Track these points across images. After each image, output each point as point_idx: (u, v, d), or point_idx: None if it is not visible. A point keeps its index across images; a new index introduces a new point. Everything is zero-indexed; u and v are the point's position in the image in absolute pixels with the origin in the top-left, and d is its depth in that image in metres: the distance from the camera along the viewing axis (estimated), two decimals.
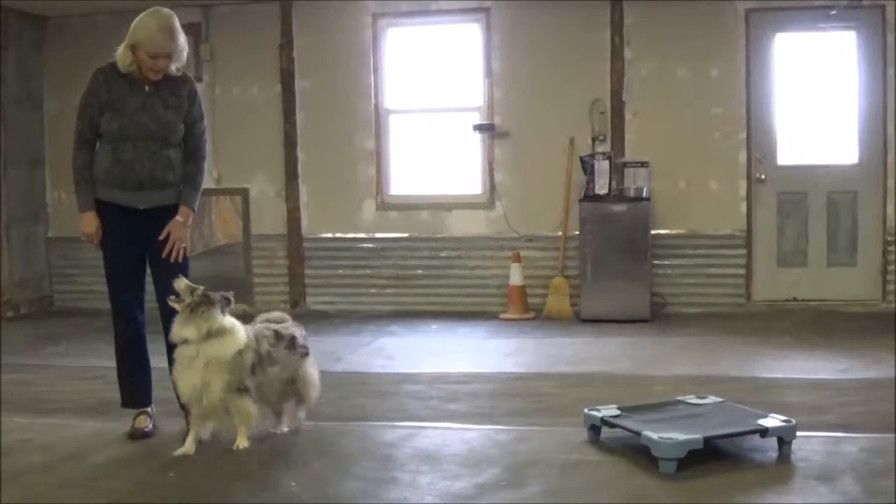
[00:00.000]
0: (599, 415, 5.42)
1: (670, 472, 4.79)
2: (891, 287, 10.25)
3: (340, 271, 11.23)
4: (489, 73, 10.90)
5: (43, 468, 5.16)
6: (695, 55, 10.43)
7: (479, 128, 10.89)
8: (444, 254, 11.06)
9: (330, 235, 11.22)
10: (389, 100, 11.22)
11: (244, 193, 11.26)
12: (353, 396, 6.93)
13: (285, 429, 5.78)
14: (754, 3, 10.33)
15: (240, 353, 5.39)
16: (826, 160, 10.43)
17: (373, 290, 11.17)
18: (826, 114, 10.44)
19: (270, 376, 5.56)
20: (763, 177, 10.44)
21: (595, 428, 5.45)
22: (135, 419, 5.85)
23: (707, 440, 4.93)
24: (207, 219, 11.33)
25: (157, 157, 5.74)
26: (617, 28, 10.52)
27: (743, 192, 10.46)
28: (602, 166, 10.27)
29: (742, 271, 10.50)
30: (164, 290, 5.63)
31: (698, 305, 10.42)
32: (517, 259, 10.58)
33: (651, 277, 10.09)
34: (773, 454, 5.08)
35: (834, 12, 10.10)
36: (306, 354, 5.85)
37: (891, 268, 10.24)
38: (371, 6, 11.03)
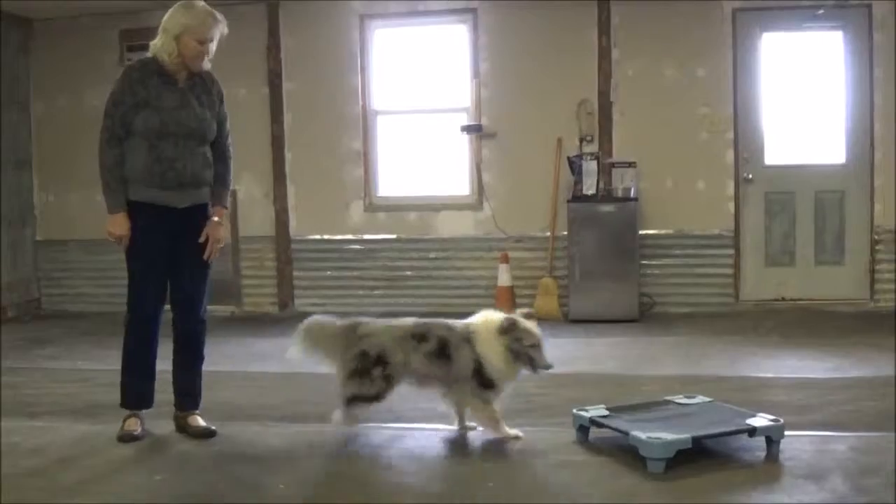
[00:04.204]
0: (588, 415, 5.42)
1: (659, 471, 4.79)
2: (878, 286, 10.28)
3: (329, 273, 11.22)
4: (476, 73, 10.90)
5: (31, 472, 5.13)
6: (682, 55, 10.45)
7: (466, 128, 10.89)
8: (432, 255, 11.06)
9: (318, 237, 11.21)
10: (377, 101, 11.22)
11: (232, 195, 11.10)
12: None
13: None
14: (741, 2, 10.35)
15: None
16: (813, 160, 10.46)
17: (361, 292, 11.16)
18: (813, 113, 10.47)
19: None
20: (750, 176, 10.46)
21: (583, 428, 5.45)
22: (125, 422, 5.81)
23: (695, 440, 4.93)
24: None
25: (196, 154, 5.71)
26: (604, 28, 10.53)
27: (730, 191, 10.48)
28: (590, 167, 10.28)
29: (730, 271, 10.52)
30: (191, 289, 5.80)
31: (686, 305, 10.44)
32: (505, 260, 10.58)
33: (639, 278, 10.10)
34: (762, 453, 5.08)
35: (821, 12, 10.14)
36: None
37: (878, 267, 10.27)
38: (358, 7, 11.03)
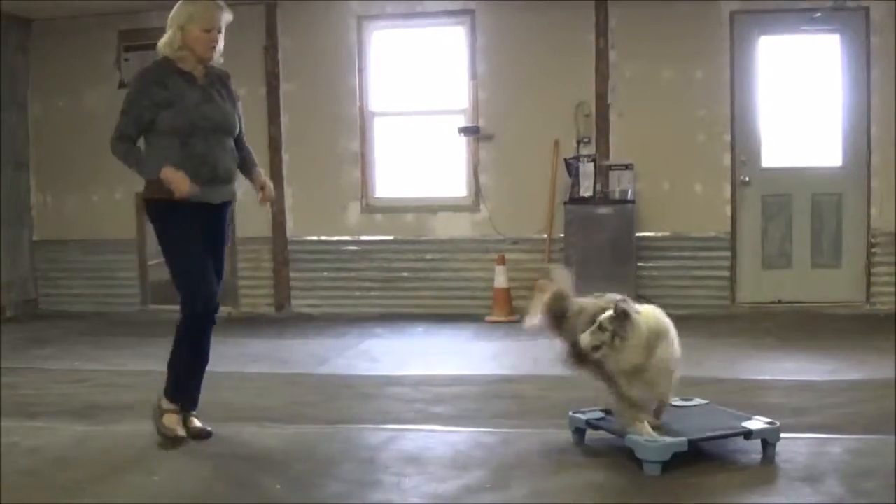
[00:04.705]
0: (584, 417, 5.43)
1: (655, 474, 4.79)
2: (875, 289, 10.29)
3: (325, 274, 11.22)
4: (474, 75, 10.90)
5: (29, 472, 5.13)
6: (679, 57, 10.45)
7: (464, 130, 10.89)
8: (429, 256, 11.06)
9: (315, 238, 11.20)
10: (374, 102, 11.22)
11: None
12: (338, 399, 6.92)
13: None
14: (739, 5, 10.35)
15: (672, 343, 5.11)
16: (810, 162, 10.46)
17: (358, 293, 11.16)
18: (810, 116, 10.47)
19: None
20: (747, 179, 10.46)
21: (580, 430, 5.45)
22: (166, 417, 5.69)
23: (692, 442, 4.93)
24: None
25: (226, 148, 5.70)
26: (602, 30, 10.54)
27: (727, 194, 10.48)
28: (587, 168, 10.29)
29: (726, 273, 10.52)
30: (215, 288, 5.72)
31: (683, 307, 10.38)
32: (502, 261, 10.58)
33: (636, 279, 10.10)
34: (758, 456, 5.08)
35: (818, 15, 10.14)
36: None
37: (875, 269, 10.28)
38: (356, 8, 11.03)
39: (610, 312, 4.98)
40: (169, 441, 5.58)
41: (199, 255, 5.64)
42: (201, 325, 5.70)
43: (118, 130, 5.58)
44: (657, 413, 5.21)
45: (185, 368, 5.74)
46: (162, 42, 5.64)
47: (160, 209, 5.60)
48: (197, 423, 5.79)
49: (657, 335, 5.02)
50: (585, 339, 5.02)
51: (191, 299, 5.62)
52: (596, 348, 4.99)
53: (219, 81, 5.78)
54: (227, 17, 5.69)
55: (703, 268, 10.47)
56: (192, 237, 5.62)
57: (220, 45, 5.70)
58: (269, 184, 6.01)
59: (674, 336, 5.09)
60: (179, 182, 5.40)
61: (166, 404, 5.70)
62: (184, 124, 5.52)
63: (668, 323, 5.11)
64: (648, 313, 5.09)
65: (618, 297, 5.07)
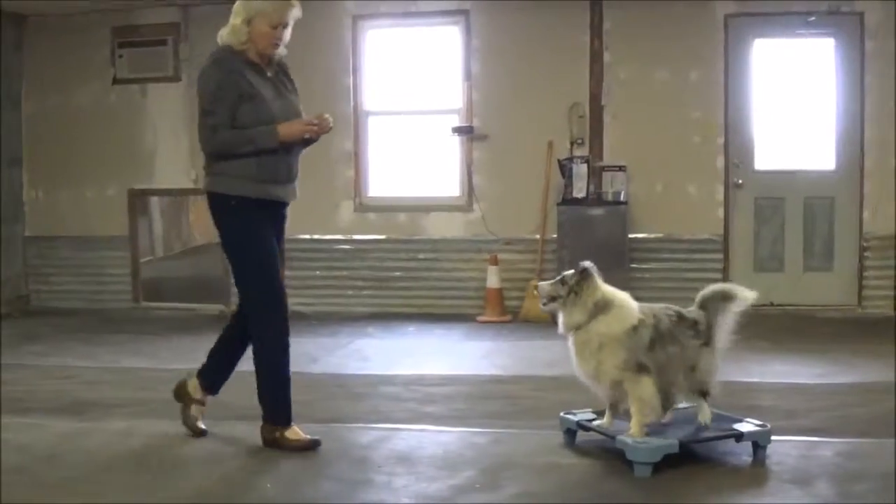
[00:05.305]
0: (575, 418, 5.43)
1: (645, 475, 4.80)
2: (866, 292, 10.30)
3: (318, 272, 11.21)
4: (468, 75, 10.90)
5: (18, 469, 5.11)
6: (673, 60, 10.47)
7: (457, 130, 10.89)
8: (421, 256, 11.06)
9: (307, 237, 11.18)
10: (368, 101, 11.21)
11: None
12: (330, 398, 6.91)
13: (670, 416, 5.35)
14: (733, 8, 10.36)
15: (634, 328, 5.07)
16: (803, 166, 10.48)
17: (350, 292, 11.16)
18: (804, 120, 10.49)
19: (671, 356, 5.13)
20: (741, 182, 10.48)
21: (571, 431, 5.46)
22: (297, 434, 5.50)
23: (682, 444, 4.94)
24: (185, 219, 11.30)
25: (296, 145, 5.49)
26: (596, 31, 10.54)
27: (720, 196, 10.49)
28: (580, 170, 10.30)
29: (719, 276, 10.50)
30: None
31: None
32: (495, 262, 10.58)
33: (628, 281, 10.07)
34: (748, 458, 5.09)
35: (812, 19, 10.16)
36: (707, 343, 5.27)
37: (866, 273, 10.29)
38: (351, 8, 11.02)
39: (574, 270, 5.21)
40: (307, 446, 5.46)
41: (273, 261, 5.51)
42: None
43: (212, 128, 5.29)
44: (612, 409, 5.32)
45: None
46: (225, 31, 5.40)
47: (236, 207, 5.39)
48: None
49: (605, 306, 5.13)
50: (545, 287, 5.32)
51: (270, 307, 5.49)
52: (552, 298, 5.26)
53: (282, 72, 5.59)
54: (295, 13, 5.42)
55: (696, 270, 10.46)
56: (267, 242, 5.46)
57: (286, 38, 5.45)
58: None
59: (624, 326, 5.10)
60: (308, 125, 5.37)
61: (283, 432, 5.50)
62: (265, 119, 5.31)
63: (628, 309, 5.18)
64: (612, 290, 5.25)
65: (589, 264, 5.24)
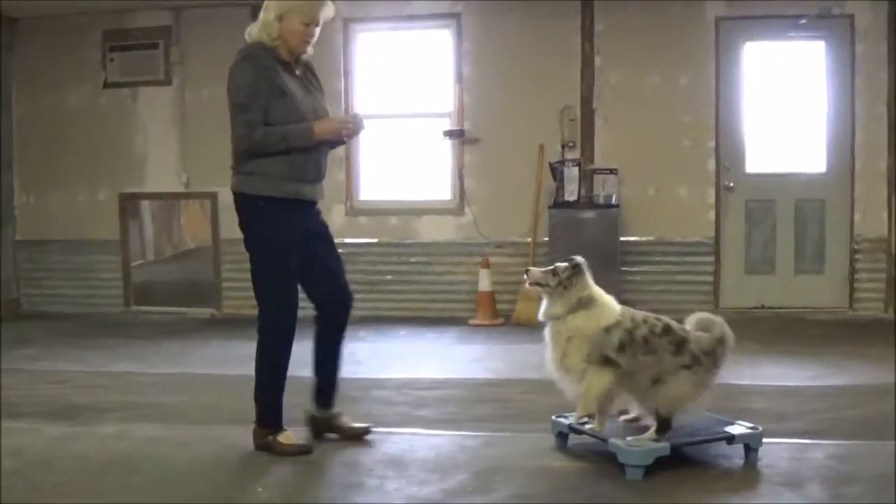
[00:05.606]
0: (567, 421, 5.42)
1: (637, 478, 4.79)
2: (857, 295, 10.33)
3: None
4: (459, 78, 10.91)
5: (13, 473, 5.09)
6: (664, 63, 10.49)
7: (449, 133, 10.90)
8: (413, 259, 11.06)
9: None
10: (360, 105, 11.20)
11: (213, 198, 11.20)
12: None
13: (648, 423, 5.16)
14: (724, 11, 10.38)
15: (607, 329, 5.02)
16: (794, 169, 10.51)
17: None
18: (794, 123, 10.52)
19: (642, 364, 5.00)
20: (731, 184, 10.50)
21: (562, 434, 5.45)
22: (289, 439, 5.47)
23: (674, 447, 4.93)
24: (176, 222, 11.29)
25: (324, 144, 5.44)
26: (587, 35, 10.56)
27: (711, 199, 10.51)
28: (571, 173, 10.31)
29: (710, 278, 10.55)
30: (341, 286, 5.72)
31: (666, 312, 10.27)
32: (486, 265, 10.58)
33: (620, 284, 10.09)
34: (740, 461, 5.09)
35: (803, 22, 10.18)
36: (689, 367, 5.05)
37: (857, 276, 10.32)
38: (343, 11, 10.98)
39: (566, 263, 5.22)
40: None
41: (293, 264, 5.45)
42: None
43: (248, 124, 5.22)
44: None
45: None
46: (255, 28, 5.36)
47: (263, 207, 5.35)
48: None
49: (587, 303, 5.13)
50: (536, 273, 5.29)
51: (280, 310, 5.52)
52: (539, 285, 5.23)
53: (309, 71, 5.59)
54: (328, 11, 5.44)
55: (687, 273, 10.50)
56: (291, 244, 5.39)
57: (315, 37, 5.46)
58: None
59: (598, 325, 5.08)
60: (344, 123, 5.41)
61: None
62: (296, 118, 5.26)
63: (608, 310, 5.15)
64: (599, 290, 5.23)
65: (581, 259, 5.23)
